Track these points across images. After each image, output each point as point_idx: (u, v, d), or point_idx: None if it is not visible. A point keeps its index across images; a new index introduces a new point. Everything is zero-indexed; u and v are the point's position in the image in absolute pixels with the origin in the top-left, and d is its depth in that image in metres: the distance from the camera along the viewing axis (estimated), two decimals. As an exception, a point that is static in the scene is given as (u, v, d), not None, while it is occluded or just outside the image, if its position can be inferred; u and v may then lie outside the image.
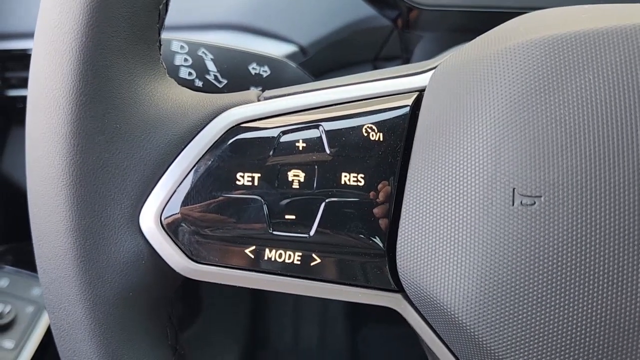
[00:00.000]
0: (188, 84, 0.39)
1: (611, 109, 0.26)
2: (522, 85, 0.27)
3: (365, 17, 0.68)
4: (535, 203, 0.26)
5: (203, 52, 0.40)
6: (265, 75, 0.41)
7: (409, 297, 0.29)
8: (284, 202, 0.29)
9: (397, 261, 0.29)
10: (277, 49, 0.66)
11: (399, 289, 0.30)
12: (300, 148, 0.29)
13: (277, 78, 0.41)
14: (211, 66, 0.40)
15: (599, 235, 0.25)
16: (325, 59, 0.69)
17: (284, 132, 0.29)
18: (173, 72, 0.39)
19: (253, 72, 0.41)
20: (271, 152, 0.29)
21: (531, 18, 0.31)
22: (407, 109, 0.30)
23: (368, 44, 0.71)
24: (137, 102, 0.28)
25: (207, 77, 0.40)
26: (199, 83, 0.40)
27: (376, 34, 0.69)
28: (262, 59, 0.42)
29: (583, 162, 0.26)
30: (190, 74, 0.40)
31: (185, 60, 0.39)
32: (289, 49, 0.66)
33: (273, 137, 0.29)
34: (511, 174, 0.26)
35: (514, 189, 0.26)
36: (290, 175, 0.29)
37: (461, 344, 0.28)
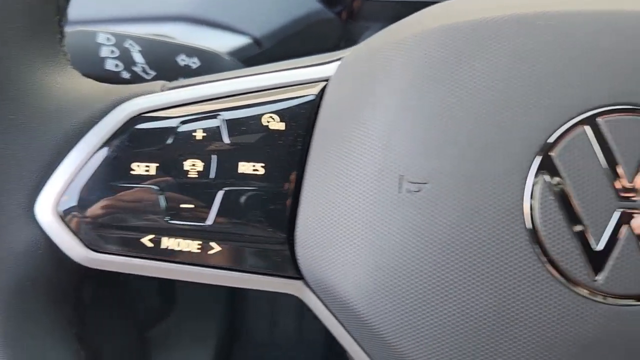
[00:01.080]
0: (115, 76, 0.40)
1: (498, 98, 0.26)
2: (414, 75, 0.28)
3: (321, 9, 0.68)
4: (420, 190, 0.26)
5: (130, 43, 0.40)
6: (194, 66, 0.41)
7: (309, 284, 0.30)
8: (181, 191, 0.29)
9: (296, 249, 0.29)
10: (230, 41, 0.66)
11: (301, 276, 0.30)
12: (199, 137, 0.29)
13: (207, 70, 0.42)
14: (138, 58, 0.40)
15: (483, 221, 0.25)
16: (282, 52, 0.69)
17: (183, 122, 0.29)
18: (99, 64, 0.39)
19: (182, 63, 0.41)
20: (169, 142, 0.29)
21: (442, 6, 0.31)
22: (311, 97, 0.30)
23: (325, 35, 0.71)
24: (34, 94, 0.28)
25: (135, 69, 0.40)
26: (126, 75, 0.40)
27: (332, 26, 0.69)
28: (191, 51, 0.42)
29: (469, 149, 0.26)
30: (117, 65, 0.40)
31: (112, 52, 0.39)
32: (243, 41, 0.66)
33: (172, 126, 0.29)
34: (399, 162, 0.27)
35: (401, 177, 0.26)
36: (188, 164, 0.29)
37: (358, 330, 0.28)
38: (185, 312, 0.84)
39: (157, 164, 0.29)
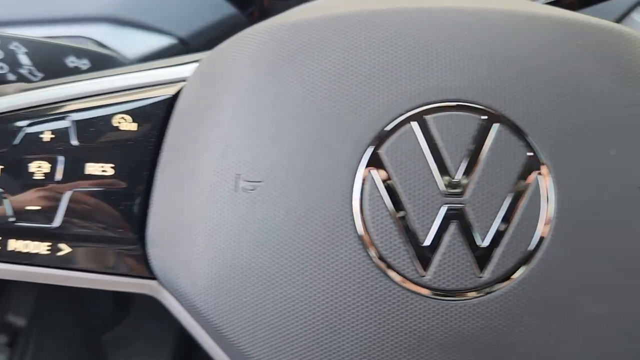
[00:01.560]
0: (1, 78, 0.39)
1: (329, 95, 0.26)
2: (252, 74, 0.28)
3: (235, 12, 0.68)
4: (255, 189, 0.26)
5: (15, 45, 0.39)
6: (84, 68, 0.41)
7: (163, 284, 0.29)
8: (27, 193, 0.29)
9: (147, 249, 0.29)
10: (156, 42, 0.66)
11: (155, 276, 0.30)
12: (47, 139, 0.29)
13: (98, 71, 0.41)
14: (25, 60, 0.40)
15: (314, 218, 0.25)
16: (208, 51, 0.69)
17: (31, 124, 0.29)
18: (-18, 66, 0.39)
19: (71, 65, 0.41)
20: (15, 143, 0.29)
21: (309, 4, 0.31)
22: (166, 97, 0.30)
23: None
24: None
25: (21, 71, 0.40)
26: (12, 77, 0.39)
27: (247, 26, 0.69)
28: (80, 52, 0.42)
29: (301, 147, 0.26)
30: (1, 67, 0.39)
31: (-4, 54, 0.39)
32: (168, 41, 0.66)
33: (19, 128, 0.29)
34: (237, 161, 0.27)
35: (238, 175, 0.26)
36: (34, 166, 0.29)
37: (207, 327, 0.28)
38: (142, 313, 0.83)
39: (2, 166, 0.29)
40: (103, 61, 0.43)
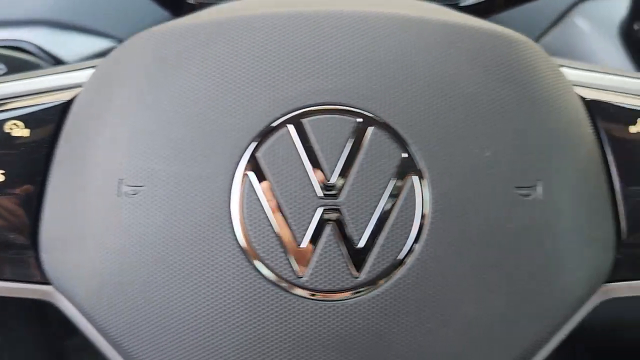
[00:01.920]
0: None
1: (209, 100, 0.26)
2: (136, 79, 0.28)
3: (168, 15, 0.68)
4: (137, 193, 0.26)
5: None
6: (1, 72, 0.41)
7: (57, 288, 0.30)
8: None
9: (41, 254, 0.29)
10: (96, 44, 0.66)
11: (49, 281, 0.30)
12: None
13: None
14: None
15: (194, 222, 0.26)
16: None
17: None
18: None
19: (-12, 69, 0.41)
20: None
21: (212, 9, 0.31)
22: (60, 103, 0.30)
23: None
24: None
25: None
26: None
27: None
28: (-3, 57, 0.41)
29: (180, 152, 0.26)
30: None
31: None
32: (107, 44, 0.66)
33: None
34: (120, 165, 0.27)
35: (120, 180, 0.27)
36: None
37: (98, 330, 0.28)
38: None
39: None
40: (20, 66, 0.43)
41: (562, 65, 0.31)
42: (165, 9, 0.58)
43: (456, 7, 0.56)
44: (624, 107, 0.30)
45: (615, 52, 0.67)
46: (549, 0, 0.72)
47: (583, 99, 0.30)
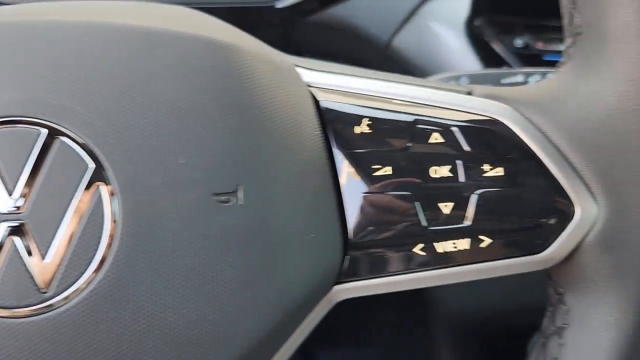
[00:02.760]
0: None
1: None
2: None
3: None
4: None
5: None
6: None
7: None
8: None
9: None
10: None
11: None
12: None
13: None
14: None
15: None
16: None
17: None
18: None
19: None
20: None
21: None
22: None
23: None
24: None
25: None
26: None
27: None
28: None
29: None
30: None
31: None
32: None
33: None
34: None
35: None
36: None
37: None
38: None
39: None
40: None
41: (298, 66, 0.31)
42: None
43: (272, 9, 0.56)
44: (351, 107, 0.30)
45: (461, 48, 0.69)
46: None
47: (314, 99, 0.30)
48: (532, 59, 0.64)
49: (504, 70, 0.43)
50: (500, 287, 0.67)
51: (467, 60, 0.68)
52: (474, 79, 0.42)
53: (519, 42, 0.64)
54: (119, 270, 0.25)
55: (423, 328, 0.75)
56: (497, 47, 0.65)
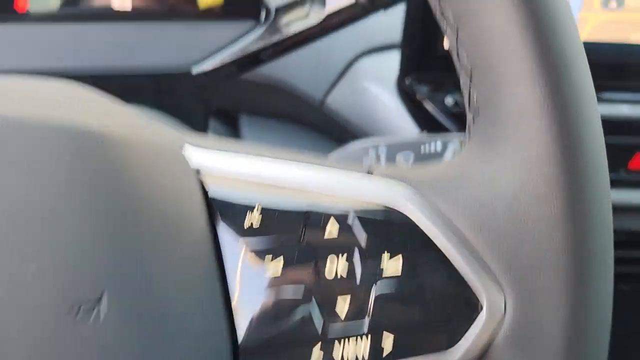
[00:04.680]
0: None
1: None
2: None
3: None
4: None
5: None
6: None
7: None
8: None
9: None
10: None
11: None
12: None
13: None
14: None
15: None
16: None
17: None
18: None
19: None
20: None
21: None
22: None
23: None
24: None
25: None
26: None
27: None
28: None
29: None
30: None
31: None
32: None
33: None
34: None
35: None
36: None
37: None
38: None
39: None
40: None
41: (189, 143, 0.29)
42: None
43: (189, 75, 0.54)
44: (242, 196, 0.28)
45: (395, 107, 0.68)
46: (333, 54, 0.72)
47: (203, 189, 0.28)
48: (463, 117, 0.63)
49: (423, 136, 0.42)
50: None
51: (401, 119, 0.67)
52: (392, 148, 0.40)
53: (449, 100, 0.63)
54: None
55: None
56: (429, 106, 0.64)
